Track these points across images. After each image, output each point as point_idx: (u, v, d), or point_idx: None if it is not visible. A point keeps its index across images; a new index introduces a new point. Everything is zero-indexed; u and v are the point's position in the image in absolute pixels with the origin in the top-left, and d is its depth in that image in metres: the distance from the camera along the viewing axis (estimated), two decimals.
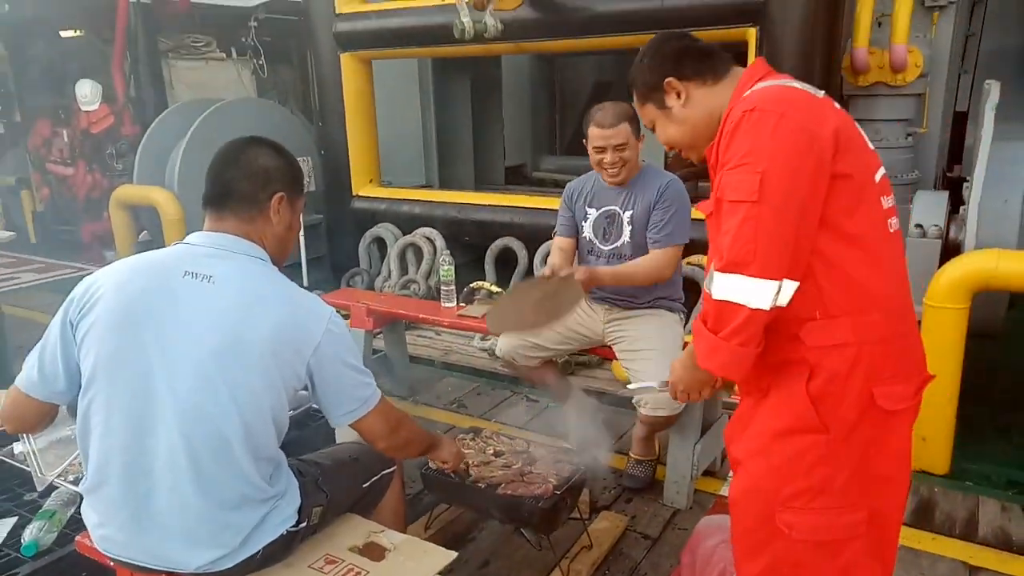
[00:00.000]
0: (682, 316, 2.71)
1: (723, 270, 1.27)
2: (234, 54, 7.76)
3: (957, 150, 4.92)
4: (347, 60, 4.95)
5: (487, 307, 3.37)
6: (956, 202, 3.35)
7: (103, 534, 1.51)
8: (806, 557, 1.38)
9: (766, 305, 1.24)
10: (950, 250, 3.05)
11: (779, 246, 1.23)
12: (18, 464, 2.15)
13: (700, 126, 1.46)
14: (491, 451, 2.34)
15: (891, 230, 1.36)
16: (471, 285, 4.34)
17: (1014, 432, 3.10)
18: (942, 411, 2.70)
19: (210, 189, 1.56)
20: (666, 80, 1.45)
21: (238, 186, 1.54)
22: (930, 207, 3.19)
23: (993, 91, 3.09)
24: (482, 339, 4.19)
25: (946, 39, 4.28)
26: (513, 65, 7.22)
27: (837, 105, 1.37)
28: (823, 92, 1.37)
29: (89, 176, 6.65)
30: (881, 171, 1.37)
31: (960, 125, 4.90)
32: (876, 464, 1.34)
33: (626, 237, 2.57)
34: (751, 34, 3.71)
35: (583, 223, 2.66)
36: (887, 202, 1.36)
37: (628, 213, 2.56)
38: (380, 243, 5.08)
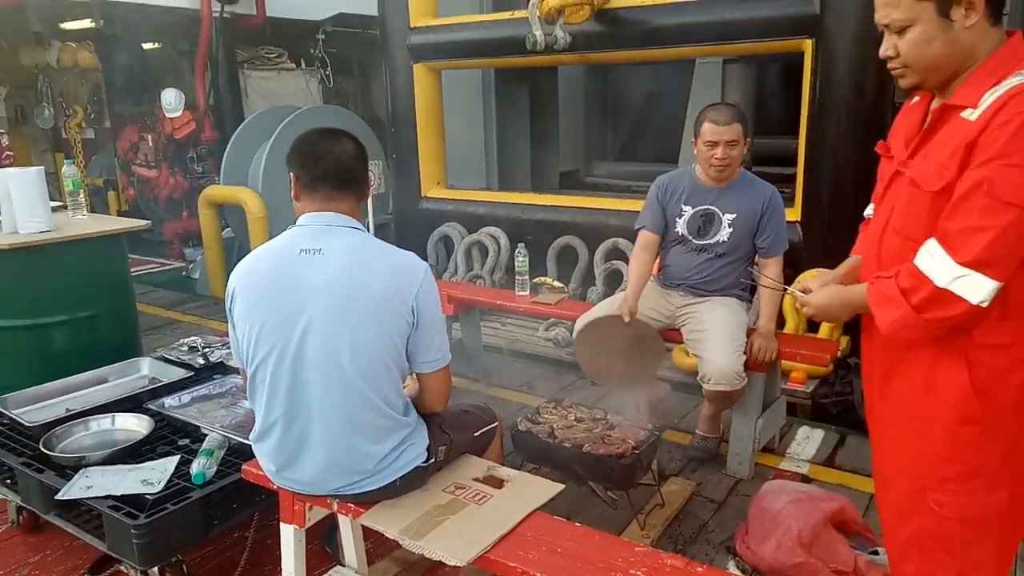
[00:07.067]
0: (748, 304, 2.95)
1: (966, 264, 1.27)
2: (303, 65, 8.24)
3: None
4: (419, 70, 5.30)
5: (559, 295, 3.67)
6: None
7: (271, 468, 1.83)
8: (951, 532, 1.46)
9: (986, 303, 1.28)
10: None
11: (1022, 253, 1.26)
12: (170, 415, 2.50)
13: (961, 55, 1.34)
14: (572, 417, 2.61)
15: None
16: (534, 280, 4.63)
17: None
18: None
19: (331, 174, 1.76)
20: None
21: (356, 177, 1.81)
22: None
23: None
24: (546, 329, 4.48)
25: None
26: (569, 75, 7.53)
27: None
28: None
29: (172, 178, 7.14)
30: None
31: None
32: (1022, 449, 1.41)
33: (723, 236, 2.79)
34: (807, 45, 3.92)
35: (677, 219, 2.86)
36: None
37: (730, 216, 2.77)
38: (447, 241, 5.40)
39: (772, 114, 8.01)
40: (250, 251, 1.85)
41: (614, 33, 4.46)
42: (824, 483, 2.76)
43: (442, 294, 3.75)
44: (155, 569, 2.05)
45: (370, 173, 4.81)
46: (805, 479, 2.82)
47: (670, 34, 4.33)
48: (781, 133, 6.82)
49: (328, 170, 1.76)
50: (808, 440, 3.16)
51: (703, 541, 2.46)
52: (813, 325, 3.77)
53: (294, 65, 8.18)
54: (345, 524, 2.09)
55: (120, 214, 7.75)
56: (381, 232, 5.48)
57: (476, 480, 1.87)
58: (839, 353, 3.49)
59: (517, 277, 3.64)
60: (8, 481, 2.39)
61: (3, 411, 2.54)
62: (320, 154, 1.77)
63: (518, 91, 6.72)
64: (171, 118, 6.94)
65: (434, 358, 1.82)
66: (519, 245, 3.73)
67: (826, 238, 3.92)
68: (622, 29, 4.43)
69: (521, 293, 3.64)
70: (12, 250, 2.79)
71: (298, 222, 1.80)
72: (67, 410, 2.59)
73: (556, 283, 4.65)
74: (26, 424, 2.43)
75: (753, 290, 3.03)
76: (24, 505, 2.37)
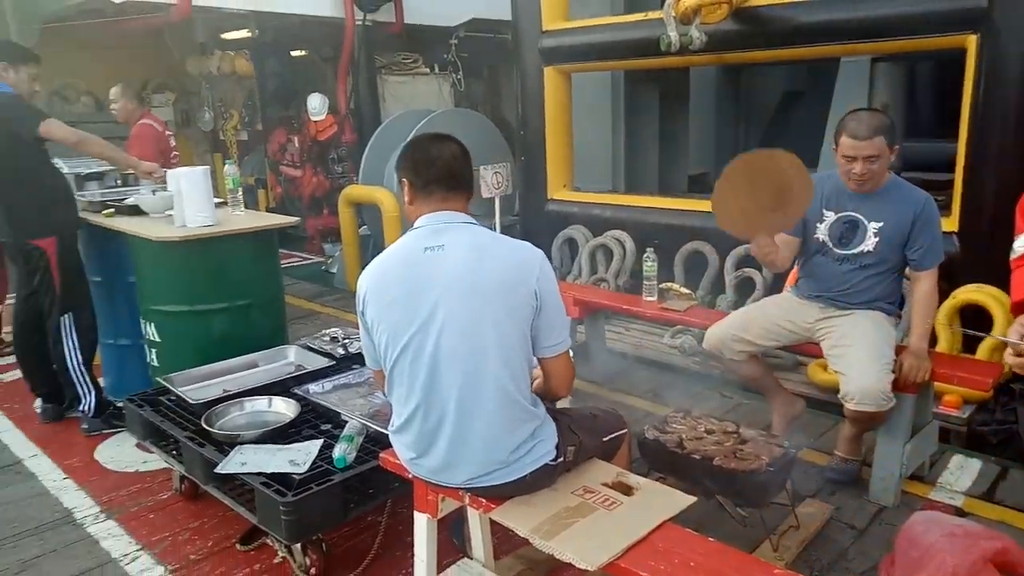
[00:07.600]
0: (897, 319, 2.75)
1: None
2: (436, 69, 8.52)
3: None
4: (550, 74, 5.33)
5: (687, 302, 3.58)
6: None
7: (407, 458, 1.92)
8: None
9: None
10: None
11: None
12: (314, 400, 2.67)
13: None
14: (702, 428, 2.54)
15: None
16: (661, 286, 4.55)
17: None
18: None
19: (443, 177, 1.84)
20: None
21: (465, 176, 1.89)
22: None
23: None
24: (672, 336, 4.38)
25: None
26: (700, 75, 7.32)
27: None
28: None
29: (314, 177, 7.61)
30: None
31: None
32: None
33: (869, 247, 2.62)
34: (971, 41, 3.60)
35: (817, 224, 2.70)
36: None
37: (876, 224, 2.60)
38: (572, 243, 5.41)
39: (924, 116, 7.42)
40: (384, 248, 1.94)
41: (753, 32, 4.29)
42: (982, 518, 2.54)
43: (568, 296, 3.79)
44: (298, 545, 2.20)
45: (497, 175, 4.93)
46: (959, 512, 2.60)
47: (815, 32, 4.11)
48: (935, 136, 6.30)
49: (441, 174, 1.85)
50: (963, 470, 2.91)
51: (842, 569, 2.32)
52: (969, 346, 3.46)
53: (428, 70, 8.47)
54: (474, 518, 2.14)
55: (268, 210, 8.32)
56: (507, 233, 5.54)
57: (605, 485, 1.86)
58: (1001, 377, 3.18)
59: (645, 282, 3.60)
60: (174, 452, 2.64)
61: (171, 388, 2.81)
62: (432, 159, 1.86)
63: (647, 92, 6.61)
64: (315, 121, 7.39)
65: (556, 341, 1.87)
66: (648, 249, 3.68)
67: (988, 251, 3.59)
68: (762, 28, 4.26)
69: (648, 298, 3.59)
70: (183, 242, 3.07)
71: (415, 224, 1.89)
72: (224, 391, 2.82)
73: (683, 289, 4.54)
74: (190, 401, 2.67)
75: (902, 303, 2.82)
76: (186, 475, 2.60)
